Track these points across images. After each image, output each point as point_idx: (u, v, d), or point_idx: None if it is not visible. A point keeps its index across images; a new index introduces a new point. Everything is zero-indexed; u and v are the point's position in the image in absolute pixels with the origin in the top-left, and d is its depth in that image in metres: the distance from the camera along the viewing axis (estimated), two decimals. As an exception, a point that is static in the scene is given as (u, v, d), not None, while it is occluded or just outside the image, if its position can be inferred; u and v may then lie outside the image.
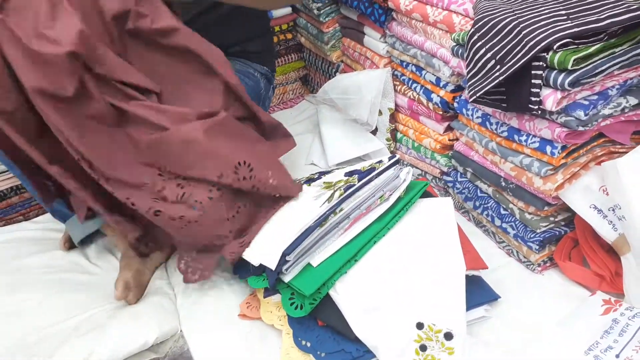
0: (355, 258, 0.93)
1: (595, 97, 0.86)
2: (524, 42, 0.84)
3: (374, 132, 1.39)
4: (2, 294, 1.10)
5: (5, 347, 0.96)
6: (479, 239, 1.12)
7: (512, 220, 1.04)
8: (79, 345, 0.96)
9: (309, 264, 0.92)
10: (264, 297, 0.96)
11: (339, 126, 1.42)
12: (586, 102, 0.85)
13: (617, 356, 0.81)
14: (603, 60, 0.83)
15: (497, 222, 1.07)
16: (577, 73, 0.81)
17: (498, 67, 0.89)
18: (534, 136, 0.93)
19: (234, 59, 1.19)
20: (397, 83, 1.33)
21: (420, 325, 0.87)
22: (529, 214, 1.00)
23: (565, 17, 0.85)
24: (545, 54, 0.83)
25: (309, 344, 0.89)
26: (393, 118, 1.35)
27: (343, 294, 0.89)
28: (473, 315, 0.92)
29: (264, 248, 0.94)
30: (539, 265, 1.02)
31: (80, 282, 1.14)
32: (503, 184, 1.04)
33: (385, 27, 1.31)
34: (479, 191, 1.13)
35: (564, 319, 0.91)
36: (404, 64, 1.29)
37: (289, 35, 1.69)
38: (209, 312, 1.03)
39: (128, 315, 1.03)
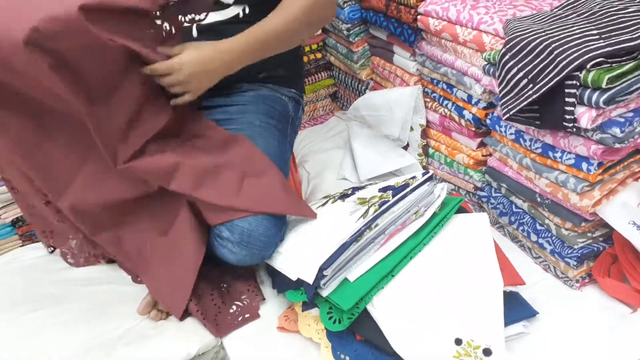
0: (392, 273, 0.95)
1: (631, 114, 0.87)
2: (556, 61, 0.86)
3: (406, 147, 1.42)
4: (50, 305, 1.15)
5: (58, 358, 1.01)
6: (515, 254, 1.12)
7: (549, 235, 1.04)
8: (124, 355, 1.00)
9: (346, 279, 0.95)
10: (302, 310, 0.99)
11: (370, 142, 1.45)
12: (622, 120, 0.86)
13: (660, 373, 0.80)
14: (638, 77, 0.84)
15: (534, 237, 1.08)
16: (612, 91, 0.82)
17: (531, 85, 0.91)
18: (569, 153, 0.94)
19: (261, 85, 1.23)
20: (428, 100, 1.35)
21: (458, 341, 0.88)
22: (566, 229, 1.00)
23: (597, 37, 0.86)
24: (578, 72, 0.84)
25: (347, 358, 0.90)
26: (425, 134, 1.37)
27: (381, 308, 0.91)
28: (511, 332, 0.92)
29: (301, 262, 0.97)
30: (577, 281, 1.02)
31: (123, 293, 1.18)
32: (538, 199, 1.04)
33: (415, 46, 1.34)
34: (514, 206, 1.13)
35: (605, 334, 0.90)
36: (435, 81, 1.31)
37: (319, 55, 1.73)
38: (249, 324, 1.06)
39: (171, 327, 1.07)
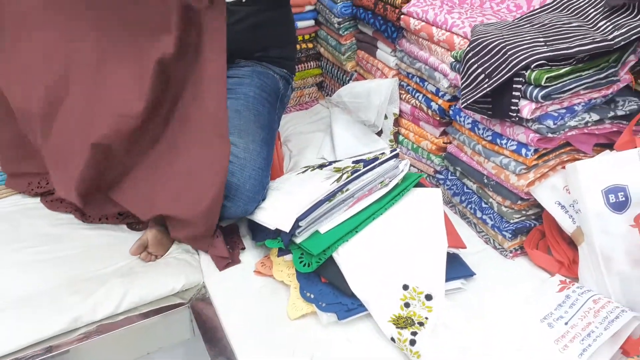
0: (356, 230, 1.11)
1: (564, 110, 1.05)
2: (508, 60, 1.03)
3: (379, 133, 1.58)
4: (48, 243, 1.28)
5: (53, 286, 1.14)
6: (463, 229, 1.29)
7: (491, 212, 1.22)
8: (116, 286, 1.13)
9: (317, 231, 1.11)
10: (278, 256, 1.14)
11: (349, 127, 1.61)
12: (555, 114, 1.04)
13: (566, 324, 0.98)
14: (571, 80, 1.02)
15: (479, 214, 1.25)
16: (549, 89, 1.00)
17: (486, 80, 1.08)
18: (513, 140, 1.12)
19: (256, 62, 1.38)
20: (403, 92, 1.52)
21: (405, 287, 1.05)
22: (505, 207, 1.18)
23: (543, 44, 1.04)
24: (524, 71, 1.02)
25: (312, 296, 1.06)
26: (397, 122, 1.54)
27: (344, 257, 1.07)
28: (451, 286, 1.09)
29: (280, 214, 1.12)
30: (511, 252, 1.19)
31: (117, 237, 1.31)
32: (485, 181, 1.22)
33: (396, 43, 1.51)
34: (465, 187, 1.31)
35: (526, 294, 1.08)
36: (410, 75, 1.49)
37: (310, 45, 1.89)
38: (230, 269, 1.20)
39: (160, 266, 1.21)
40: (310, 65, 1.94)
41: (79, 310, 1.08)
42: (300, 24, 1.82)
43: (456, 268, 1.11)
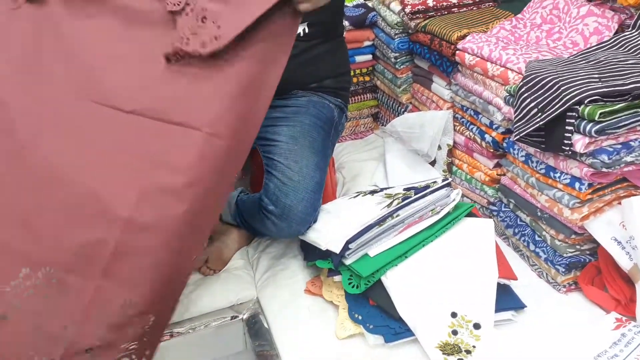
0: (405, 255, 1.14)
1: (619, 146, 1.05)
2: (561, 95, 1.05)
3: (432, 163, 1.62)
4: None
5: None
6: (515, 261, 1.28)
7: (544, 245, 1.21)
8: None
9: (366, 254, 1.14)
10: (327, 276, 1.19)
11: (402, 156, 1.65)
12: (610, 149, 1.04)
13: (621, 363, 0.96)
14: (627, 116, 1.02)
15: (532, 247, 1.25)
16: (603, 124, 1.00)
17: (539, 114, 1.10)
18: (566, 174, 1.12)
19: (312, 92, 1.46)
20: (457, 124, 1.55)
21: (454, 314, 1.06)
22: (559, 240, 1.17)
23: (597, 80, 1.05)
24: (578, 106, 1.03)
25: (360, 317, 1.09)
26: (450, 153, 1.57)
27: (393, 281, 1.10)
28: (501, 317, 1.09)
29: (331, 236, 1.17)
30: (564, 286, 1.18)
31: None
32: (539, 213, 1.22)
33: (451, 77, 1.55)
34: (518, 220, 1.31)
35: (579, 330, 1.06)
36: (464, 108, 1.52)
37: (367, 78, 1.97)
38: (280, 286, 1.26)
39: (217, 281, 1.29)
40: (367, 97, 2.01)
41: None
42: (358, 58, 1.90)
43: (507, 299, 1.11)
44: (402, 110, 1.85)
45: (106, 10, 0.93)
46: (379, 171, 1.74)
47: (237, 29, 0.87)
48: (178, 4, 0.89)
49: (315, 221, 1.28)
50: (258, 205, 1.28)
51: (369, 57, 1.93)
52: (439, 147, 1.57)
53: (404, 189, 1.26)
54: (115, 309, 0.88)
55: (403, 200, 1.18)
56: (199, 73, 0.90)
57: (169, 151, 0.89)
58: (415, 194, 1.20)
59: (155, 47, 0.91)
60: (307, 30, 1.37)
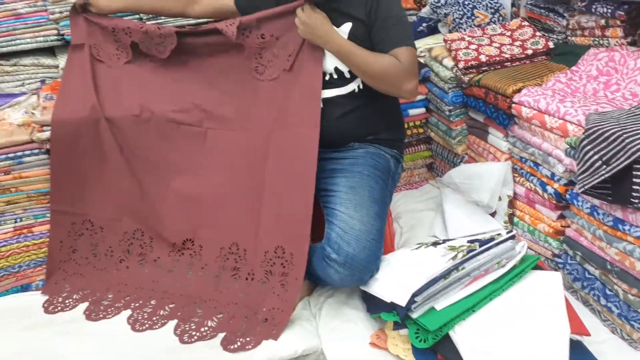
0: (473, 309, 1.14)
1: (692, 198, 1.03)
2: (626, 148, 1.06)
3: (493, 215, 1.62)
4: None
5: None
6: (586, 316, 1.25)
7: (616, 300, 1.18)
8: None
9: (433, 308, 1.15)
10: (393, 329, 1.20)
11: (461, 206, 1.67)
12: (683, 201, 1.03)
13: None
14: (698, 168, 1.01)
15: (603, 301, 1.22)
16: (674, 176, 1.00)
17: (604, 167, 1.11)
18: (636, 226, 1.10)
19: (369, 144, 1.52)
20: (516, 175, 1.56)
21: (525, 371, 1.04)
22: (632, 295, 1.14)
23: (663, 132, 1.05)
24: (645, 159, 1.03)
25: (429, 372, 1.09)
26: (511, 204, 1.57)
27: (462, 335, 1.10)
28: (575, 375, 1.06)
29: (396, 288, 1.19)
30: (641, 343, 1.14)
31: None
32: (609, 267, 1.20)
33: (508, 129, 1.58)
34: (586, 273, 1.29)
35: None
36: (523, 159, 1.53)
37: (421, 130, 2.02)
38: (345, 339, 1.28)
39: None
40: (421, 148, 2.05)
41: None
42: (411, 112, 1.96)
43: (580, 356, 1.09)
44: (458, 161, 1.87)
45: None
46: (437, 222, 1.76)
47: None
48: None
49: (377, 270, 1.30)
50: (321, 254, 1.32)
51: (423, 110, 1.99)
52: (499, 198, 1.58)
53: (468, 241, 1.27)
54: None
55: (468, 252, 1.19)
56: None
57: None
58: (480, 247, 1.21)
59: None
60: (361, 87, 1.44)
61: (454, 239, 1.36)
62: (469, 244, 1.24)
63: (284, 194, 1.41)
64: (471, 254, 1.19)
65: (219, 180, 1.53)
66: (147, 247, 1.57)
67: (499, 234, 1.26)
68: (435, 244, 1.35)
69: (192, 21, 1.82)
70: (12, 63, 1.75)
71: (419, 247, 1.36)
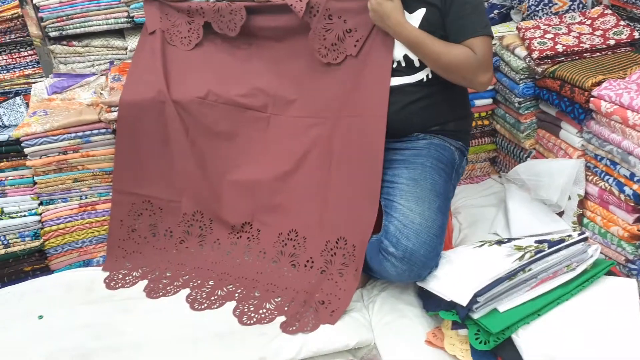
0: (539, 313, 1.08)
1: None
2: None
3: (560, 214, 1.53)
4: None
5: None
6: (662, 329, 1.16)
7: (701, 314, 1.08)
8: (296, 337, 1.24)
9: (495, 309, 1.10)
10: (452, 329, 1.15)
11: (526, 204, 1.58)
12: None
13: None
14: None
15: (684, 314, 1.12)
16: None
17: (698, 169, 1.01)
18: None
19: (433, 135, 1.46)
20: (589, 174, 1.46)
21: (595, 383, 0.97)
22: None
23: None
24: None
25: (488, 375, 1.05)
26: (581, 204, 1.48)
27: (525, 340, 1.05)
28: (651, 391, 0.99)
29: (456, 287, 1.14)
30: None
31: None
32: (693, 278, 1.10)
33: (583, 124, 1.47)
34: (666, 282, 1.19)
35: None
36: (598, 157, 1.43)
37: (486, 122, 1.93)
38: (399, 333, 1.25)
39: (336, 323, 1.30)
40: (485, 141, 1.97)
41: (265, 351, 1.21)
42: (478, 102, 1.88)
43: (656, 372, 1.01)
44: (525, 156, 1.78)
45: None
46: (499, 219, 1.68)
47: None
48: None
49: (436, 267, 1.26)
50: (377, 247, 1.29)
51: (489, 101, 1.90)
52: (569, 198, 1.49)
53: (536, 242, 1.20)
54: None
55: (536, 253, 1.13)
56: None
57: None
58: (549, 248, 1.14)
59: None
60: (430, 76, 1.39)
61: (519, 238, 1.29)
62: (537, 245, 1.18)
63: (349, 185, 1.39)
64: (539, 255, 1.12)
65: (281, 166, 1.53)
66: (207, 228, 1.59)
67: (569, 235, 1.18)
68: (499, 242, 1.29)
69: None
70: (84, 44, 1.81)
71: (482, 245, 1.30)
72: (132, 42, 1.81)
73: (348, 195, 1.40)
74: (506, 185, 1.76)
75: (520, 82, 1.70)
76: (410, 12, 1.34)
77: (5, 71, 1.81)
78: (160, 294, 1.43)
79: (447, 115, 1.45)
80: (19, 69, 1.82)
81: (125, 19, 1.81)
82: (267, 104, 1.58)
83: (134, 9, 1.78)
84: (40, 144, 1.53)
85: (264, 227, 1.55)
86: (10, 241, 1.58)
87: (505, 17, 2.03)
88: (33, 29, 1.73)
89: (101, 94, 1.70)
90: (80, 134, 1.55)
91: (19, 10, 1.71)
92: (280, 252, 1.48)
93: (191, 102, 1.55)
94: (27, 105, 1.74)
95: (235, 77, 1.60)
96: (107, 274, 1.54)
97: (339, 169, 1.44)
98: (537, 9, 1.87)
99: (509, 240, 1.29)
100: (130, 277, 1.53)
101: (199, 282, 1.46)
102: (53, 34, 1.76)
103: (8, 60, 1.80)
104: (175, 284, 1.46)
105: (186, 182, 1.58)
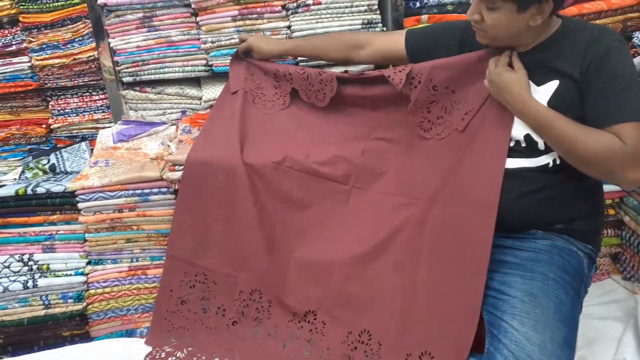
0: None
1: None
2: None
3: None
4: None
5: None
6: None
7: None
8: None
9: None
10: None
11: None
12: None
13: None
14: None
15: None
16: None
17: None
18: None
19: (556, 235, 1.16)
20: None
21: None
22: None
23: None
24: None
25: None
26: None
27: None
28: None
29: None
30: None
31: None
32: None
33: None
34: None
35: None
36: None
37: (612, 211, 1.59)
38: None
39: None
40: (607, 233, 1.62)
41: None
42: (605, 188, 1.54)
43: None
44: (663, 260, 1.42)
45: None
46: (628, 340, 1.32)
47: None
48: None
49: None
50: None
51: (616, 187, 1.56)
52: None
53: None
54: None
55: None
56: None
57: None
58: None
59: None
60: (558, 162, 1.11)
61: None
62: None
63: (442, 287, 1.11)
64: None
65: (359, 248, 1.28)
66: (264, 311, 1.36)
67: None
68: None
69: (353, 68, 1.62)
70: (157, 91, 1.69)
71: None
72: (208, 92, 1.67)
73: (440, 301, 1.12)
74: (638, 298, 1.39)
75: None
76: (538, 85, 1.08)
77: (75, 114, 1.73)
78: (204, 382, 1.21)
79: (576, 211, 1.15)
80: (88, 113, 1.74)
81: (203, 67, 1.68)
82: (350, 175, 1.35)
83: (213, 57, 1.65)
84: (96, 199, 1.39)
85: (331, 320, 1.28)
86: (51, 302, 1.44)
87: None
88: (106, 74, 1.65)
89: (169, 145, 1.56)
90: (138, 191, 1.40)
91: (95, 53, 1.63)
92: (348, 356, 1.21)
93: (265, 166, 1.36)
94: (92, 151, 1.63)
95: (317, 143, 1.40)
96: (150, 349, 1.35)
97: (431, 265, 1.16)
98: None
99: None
100: (173, 357, 1.32)
101: None
102: (127, 79, 1.66)
103: (79, 103, 1.72)
104: (222, 373, 1.24)
105: (248, 254, 1.36)
